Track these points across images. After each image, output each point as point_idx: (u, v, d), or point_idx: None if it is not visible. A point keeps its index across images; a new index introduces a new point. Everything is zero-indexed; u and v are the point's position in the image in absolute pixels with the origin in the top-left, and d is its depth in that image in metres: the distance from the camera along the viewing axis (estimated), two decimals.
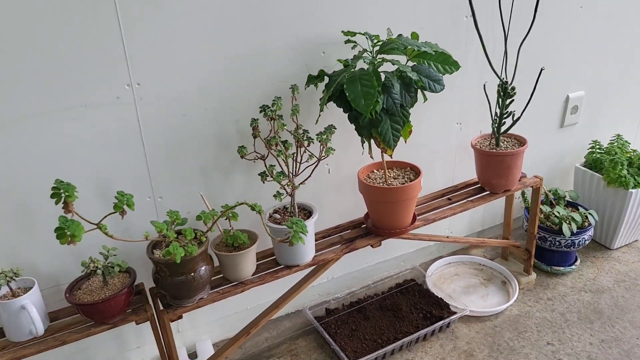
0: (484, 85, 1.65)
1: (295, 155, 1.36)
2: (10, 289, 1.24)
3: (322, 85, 1.46)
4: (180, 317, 1.31)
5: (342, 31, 1.46)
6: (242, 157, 1.37)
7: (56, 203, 1.07)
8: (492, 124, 1.68)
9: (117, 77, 1.27)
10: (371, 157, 1.48)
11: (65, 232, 1.01)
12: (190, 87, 1.37)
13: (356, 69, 1.33)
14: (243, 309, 1.75)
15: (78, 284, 1.29)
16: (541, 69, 1.60)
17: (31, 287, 1.24)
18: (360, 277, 1.96)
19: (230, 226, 1.37)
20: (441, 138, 1.87)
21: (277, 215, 1.45)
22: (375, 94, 1.23)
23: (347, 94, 1.25)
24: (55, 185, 1.06)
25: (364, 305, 1.85)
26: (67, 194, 1.06)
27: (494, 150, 1.68)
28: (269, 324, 1.77)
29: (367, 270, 1.97)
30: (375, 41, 1.39)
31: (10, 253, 1.30)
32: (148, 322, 1.30)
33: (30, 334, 1.23)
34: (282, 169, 1.38)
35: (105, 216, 1.14)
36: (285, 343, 1.76)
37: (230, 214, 1.30)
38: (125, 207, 1.11)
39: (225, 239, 1.37)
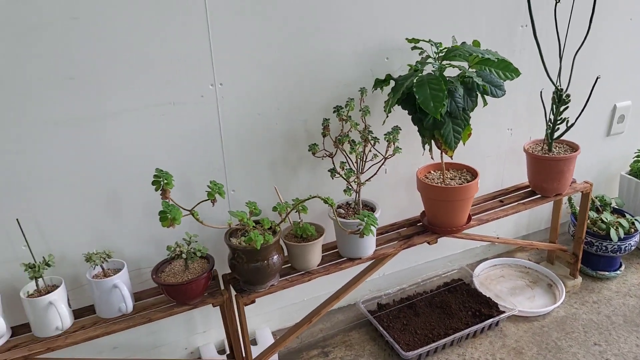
0: (541, 92, 1.72)
1: (362, 153, 1.45)
2: (103, 269, 1.35)
3: (386, 89, 1.54)
4: (253, 301, 1.41)
5: (406, 38, 1.55)
6: (313, 153, 1.46)
7: (156, 190, 1.18)
8: (546, 130, 1.74)
9: (203, 78, 1.38)
10: (432, 157, 1.56)
11: (167, 216, 1.12)
12: (265, 88, 1.47)
13: (423, 73, 1.42)
14: (300, 300, 1.84)
15: (162, 267, 1.40)
16: (597, 78, 1.66)
17: (120, 269, 1.35)
18: (409, 275, 2.03)
19: (300, 218, 1.46)
20: (492, 143, 1.94)
21: (342, 210, 1.54)
22: (443, 97, 1.31)
23: (416, 97, 1.33)
24: (156, 174, 1.17)
25: (414, 302, 1.92)
26: (165, 181, 1.17)
27: (547, 155, 1.74)
28: (323, 316, 1.85)
29: (416, 269, 2.04)
30: (440, 48, 1.47)
31: (100, 237, 1.41)
32: (213, 309, 1.40)
33: (119, 311, 1.33)
34: (350, 166, 1.47)
35: (198, 203, 1.24)
36: (339, 334, 1.84)
37: (301, 207, 1.39)
38: (216, 195, 1.21)
39: (295, 230, 1.46)
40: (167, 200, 1.19)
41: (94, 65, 1.25)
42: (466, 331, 1.74)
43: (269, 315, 1.81)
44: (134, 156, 1.38)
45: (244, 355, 1.50)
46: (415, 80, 1.37)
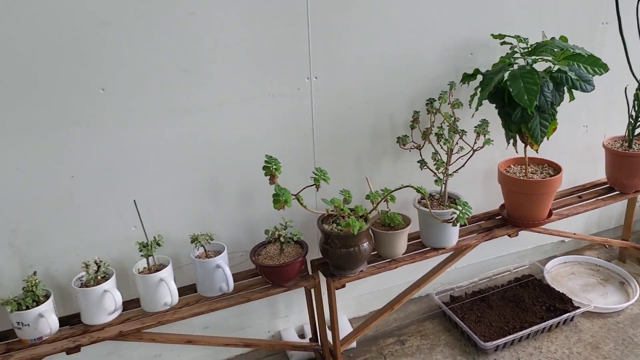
0: (625, 88, 1.73)
1: (452, 145, 1.49)
2: (205, 250, 1.43)
3: (472, 83, 1.58)
4: (343, 285, 1.47)
5: (492, 34, 1.58)
6: (403, 144, 1.52)
7: (265, 174, 1.25)
8: (628, 126, 1.74)
9: (300, 71, 1.45)
10: (516, 151, 1.59)
11: (280, 199, 1.19)
12: (356, 82, 1.53)
13: (514, 68, 1.45)
14: (376, 289, 1.89)
15: (258, 249, 1.47)
16: None
17: (220, 251, 1.43)
18: (479, 269, 2.05)
19: (388, 208, 1.51)
20: (568, 140, 1.95)
21: (426, 202, 1.58)
22: (537, 90, 1.34)
23: (510, 90, 1.37)
24: (266, 160, 1.25)
25: (487, 295, 1.94)
26: (275, 167, 1.24)
27: (628, 151, 1.74)
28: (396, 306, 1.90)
29: (487, 263, 2.06)
30: (528, 43, 1.50)
31: (200, 221, 1.50)
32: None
33: (220, 291, 1.41)
34: (439, 158, 1.51)
35: (303, 188, 1.31)
36: (413, 324, 1.88)
37: (390, 197, 1.44)
38: (321, 181, 1.27)
39: (383, 219, 1.51)
40: (275, 185, 1.26)
41: (205, 58, 1.34)
42: (542, 325, 1.76)
43: (345, 303, 1.86)
44: (233, 145, 1.46)
45: (330, 337, 1.56)
46: (508, 74, 1.40)
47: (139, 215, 1.36)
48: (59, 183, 1.31)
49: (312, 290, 1.57)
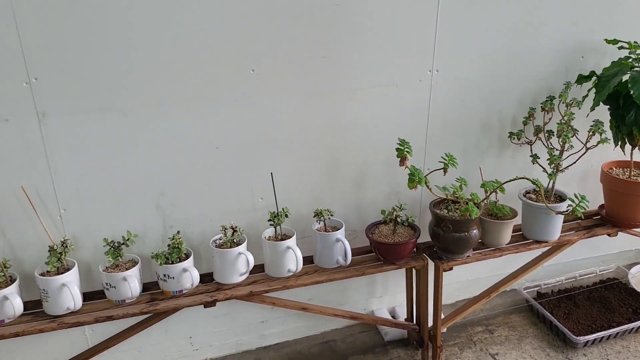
0: None
1: (569, 142, 1.56)
2: (325, 225, 1.54)
3: (585, 85, 1.64)
4: (451, 268, 1.55)
5: (606, 39, 1.63)
6: (518, 138, 1.59)
7: (398, 156, 1.35)
8: None
9: (424, 64, 1.55)
10: (624, 152, 1.64)
11: (414, 178, 1.28)
12: (472, 77, 1.61)
13: (635, 71, 1.51)
14: (463, 279, 1.96)
15: (372, 228, 1.57)
16: None
17: (337, 227, 1.54)
18: (564, 270, 2.10)
19: (497, 199, 1.59)
20: None
21: (532, 196, 1.65)
22: None
23: (631, 92, 1.42)
24: (399, 143, 1.35)
25: (573, 294, 1.99)
26: (407, 150, 1.34)
27: None
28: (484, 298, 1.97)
29: (572, 264, 2.10)
30: None
31: (317, 198, 1.61)
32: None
33: (337, 263, 1.52)
34: (554, 153, 1.57)
35: (431, 172, 1.40)
36: (500, 316, 1.95)
37: (500, 188, 1.52)
38: (450, 166, 1.36)
39: (491, 209, 1.59)
40: (404, 167, 1.36)
41: (343, 47, 1.45)
42: (631, 325, 1.80)
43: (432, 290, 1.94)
44: (354, 129, 1.56)
45: (431, 318, 1.64)
46: (629, 77, 1.46)
47: (273, 187, 1.48)
48: (205, 153, 1.44)
49: (414, 271, 1.66)
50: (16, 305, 1.27)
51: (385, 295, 1.89)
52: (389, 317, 1.87)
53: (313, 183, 1.59)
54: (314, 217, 1.52)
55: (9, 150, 1.27)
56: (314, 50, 1.43)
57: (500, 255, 1.59)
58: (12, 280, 1.31)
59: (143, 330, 1.46)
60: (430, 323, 1.67)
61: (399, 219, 1.52)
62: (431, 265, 1.57)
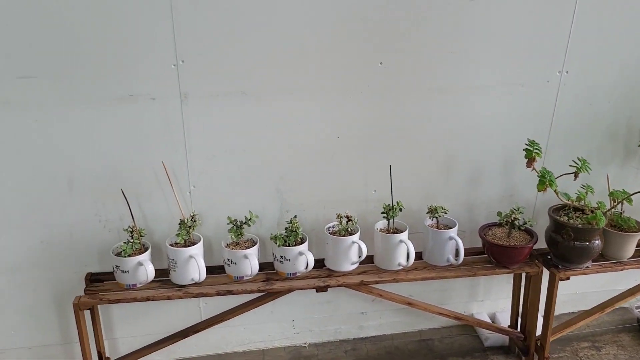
0: None
1: None
2: (437, 222, 1.53)
3: None
4: (568, 278, 1.49)
5: None
6: None
7: (526, 157, 1.32)
8: None
9: (553, 64, 1.49)
10: None
11: (545, 180, 1.25)
12: (604, 80, 1.54)
13: None
14: (570, 292, 1.88)
15: (485, 229, 1.54)
16: None
17: (449, 225, 1.53)
18: None
19: (622, 209, 1.51)
20: None
21: None
22: None
23: None
24: (528, 144, 1.32)
25: None
26: (536, 151, 1.30)
27: None
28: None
29: None
30: None
31: (431, 195, 1.60)
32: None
33: (447, 261, 1.50)
34: None
35: (560, 176, 1.36)
36: (608, 334, 1.85)
37: (627, 199, 1.44)
38: (582, 171, 1.31)
39: (615, 220, 1.51)
40: (530, 169, 1.32)
41: (472, 43, 1.43)
42: None
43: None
44: (473, 127, 1.54)
45: (539, 328, 1.59)
46: None
47: (390, 179, 1.50)
48: (326, 142, 1.48)
49: (523, 277, 1.61)
50: (149, 271, 1.37)
51: (487, 300, 1.85)
52: (488, 321, 1.83)
53: (427, 179, 1.59)
54: (427, 213, 1.52)
55: (152, 127, 1.37)
56: (443, 46, 1.42)
57: (622, 269, 1.52)
58: (145, 249, 1.41)
59: (253, 308, 1.52)
60: (537, 332, 1.61)
61: (516, 222, 1.48)
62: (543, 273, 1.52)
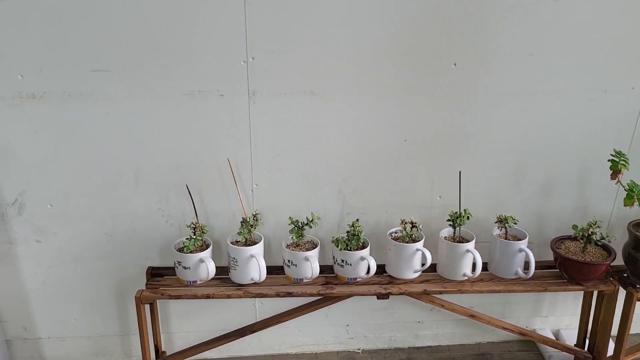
0: None
1: None
2: (506, 232, 1.46)
3: None
4: None
5: None
6: None
7: (611, 169, 1.23)
8: None
9: (639, 70, 1.40)
10: None
11: (633, 195, 1.16)
12: None
13: None
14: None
15: (557, 242, 1.46)
16: None
17: (518, 237, 1.45)
18: None
19: None
20: None
21: None
22: None
23: None
24: (614, 154, 1.23)
25: None
26: (622, 163, 1.21)
27: None
28: None
29: None
30: None
31: (497, 203, 1.53)
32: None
33: (516, 274, 1.43)
34: None
35: None
36: None
37: None
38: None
39: None
40: (615, 181, 1.24)
41: (551, 45, 1.35)
42: None
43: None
44: (548, 134, 1.46)
45: (610, 349, 1.50)
46: None
47: (459, 186, 1.44)
48: (392, 144, 1.43)
49: (594, 295, 1.52)
50: (210, 268, 1.36)
51: (552, 316, 1.76)
52: (553, 339, 1.74)
53: (495, 186, 1.52)
54: (496, 222, 1.45)
55: (219, 124, 1.36)
56: (521, 47, 1.35)
57: None
58: (207, 246, 1.40)
59: (309, 311, 1.49)
60: (608, 353, 1.52)
61: (593, 237, 1.39)
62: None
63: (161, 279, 1.44)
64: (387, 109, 1.39)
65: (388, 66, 1.34)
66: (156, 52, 1.27)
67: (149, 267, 1.48)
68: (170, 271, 1.45)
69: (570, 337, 1.72)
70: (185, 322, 1.62)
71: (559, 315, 1.76)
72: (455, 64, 1.36)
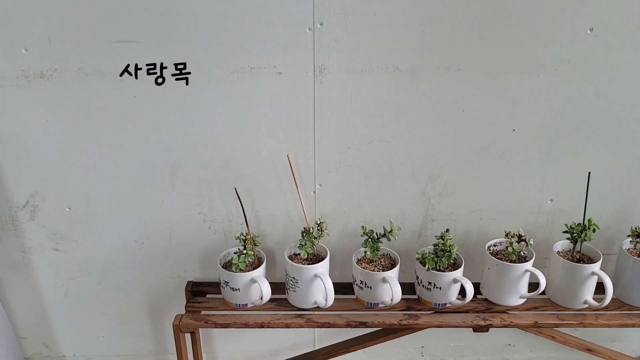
0: None
1: None
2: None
3: None
4: None
5: None
6: None
7: None
8: None
9: None
10: None
11: None
12: None
13: None
14: None
15: None
16: None
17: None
18: None
19: None
20: None
21: None
22: None
23: None
24: None
25: None
26: None
27: None
28: None
29: None
30: None
31: (624, 210, 1.20)
32: None
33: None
34: None
35: None
36: None
37: None
38: None
39: None
40: None
41: None
42: None
43: None
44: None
45: None
46: None
47: (587, 189, 1.11)
48: (497, 134, 1.11)
49: None
50: (265, 290, 1.08)
51: None
52: None
53: (624, 188, 1.19)
54: (629, 236, 1.12)
55: (275, 110, 1.07)
56: None
57: None
58: (260, 262, 1.13)
59: (384, 341, 1.21)
60: None
61: None
62: None
63: (204, 300, 1.17)
64: (492, 89, 1.06)
65: (494, 34, 1.00)
66: (194, 16, 0.96)
67: (189, 282, 1.22)
68: (214, 288, 1.20)
69: None
70: (231, 341, 1.38)
71: None
72: (591, 29, 1.01)
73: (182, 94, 1.03)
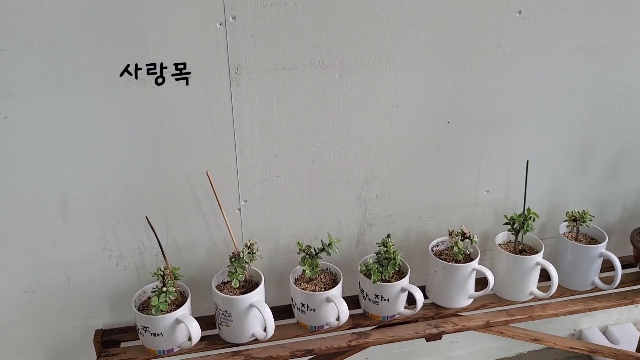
0: None
1: None
2: (577, 232, 1.12)
3: None
4: None
5: None
6: None
7: None
8: None
9: None
10: None
11: None
12: None
13: None
14: None
15: (638, 235, 1.15)
16: None
17: (597, 239, 1.13)
18: None
19: None
20: None
21: None
22: None
23: None
24: None
25: None
26: None
27: None
28: None
29: None
30: None
31: (553, 189, 1.19)
32: None
33: (592, 285, 1.12)
34: None
35: None
36: None
37: None
38: None
39: None
40: None
41: None
42: None
43: None
44: (631, 97, 1.12)
45: None
46: None
47: (526, 177, 1.07)
48: (431, 129, 1.05)
49: None
50: (193, 331, 0.92)
51: (598, 313, 1.48)
52: (601, 337, 1.48)
53: (554, 171, 1.18)
54: (566, 221, 1.11)
55: (185, 118, 0.91)
56: None
57: None
58: (184, 297, 0.96)
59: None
60: None
61: None
62: None
63: (118, 350, 0.99)
64: (425, 81, 0.98)
65: (428, 23, 0.91)
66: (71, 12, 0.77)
67: (98, 331, 1.03)
68: (129, 334, 1.02)
69: (621, 334, 1.46)
70: None
71: (605, 310, 1.48)
72: (520, 12, 0.96)
73: (62, 105, 0.83)
